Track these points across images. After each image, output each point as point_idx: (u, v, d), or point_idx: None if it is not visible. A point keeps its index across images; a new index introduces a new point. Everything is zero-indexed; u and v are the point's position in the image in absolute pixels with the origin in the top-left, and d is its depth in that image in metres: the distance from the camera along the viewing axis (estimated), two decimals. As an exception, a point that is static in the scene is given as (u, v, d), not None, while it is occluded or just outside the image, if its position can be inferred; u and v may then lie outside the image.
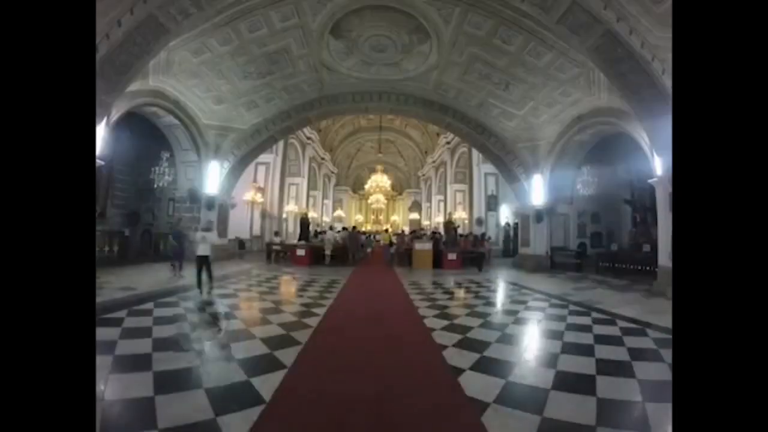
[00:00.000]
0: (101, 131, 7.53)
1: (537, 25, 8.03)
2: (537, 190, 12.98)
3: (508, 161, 13.55)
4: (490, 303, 7.05)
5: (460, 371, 3.43)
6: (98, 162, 7.54)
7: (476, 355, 3.88)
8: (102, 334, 3.95)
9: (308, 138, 21.56)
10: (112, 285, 6.95)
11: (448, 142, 21.06)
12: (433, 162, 25.70)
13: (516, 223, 14.64)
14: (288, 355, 3.71)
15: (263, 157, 15.81)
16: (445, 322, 5.33)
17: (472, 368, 3.52)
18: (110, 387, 2.88)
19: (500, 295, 8.13)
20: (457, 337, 4.58)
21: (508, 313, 6.14)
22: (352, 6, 8.77)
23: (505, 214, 17.63)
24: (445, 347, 4.17)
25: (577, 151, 12.33)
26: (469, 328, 5.00)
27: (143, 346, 3.83)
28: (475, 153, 17.32)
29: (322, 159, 26.11)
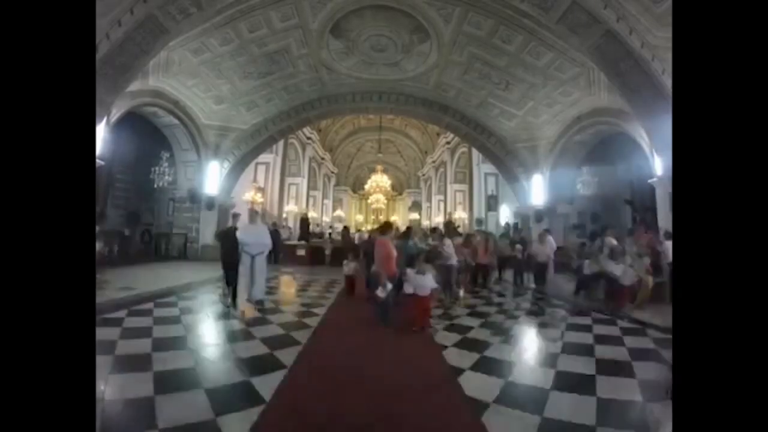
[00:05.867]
0: (101, 131, 7.54)
1: (537, 25, 8.03)
2: (537, 190, 12.96)
3: (508, 161, 13.54)
4: (490, 303, 7.04)
5: (460, 371, 3.44)
6: (98, 162, 7.54)
7: (476, 355, 3.88)
8: (102, 334, 3.95)
9: (308, 138, 21.51)
10: (112, 285, 6.94)
11: (448, 142, 21.00)
12: (433, 162, 25.63)
13: (516, 223, 14.60)
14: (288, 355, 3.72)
15: (263, 157, 15.76)
16: (445, 323, 5.33)
17: (472, 368, 3.52)
18: (113, 387, 2.88)
19: (500, 295, 8.12)
20: (457, 337, 4.59)
21: (508, 313, 6.14)
22: (352, 6, 8.77)
23: (505, 214, 17.59)
24: (445, 347, 4.17)
25: (576, 151, 12.31)
26: (469, 328, 5.01)
27: (143, 345, 3.82)
28: (475, 153, 17.26)
29: (322, 159, 26.05)
